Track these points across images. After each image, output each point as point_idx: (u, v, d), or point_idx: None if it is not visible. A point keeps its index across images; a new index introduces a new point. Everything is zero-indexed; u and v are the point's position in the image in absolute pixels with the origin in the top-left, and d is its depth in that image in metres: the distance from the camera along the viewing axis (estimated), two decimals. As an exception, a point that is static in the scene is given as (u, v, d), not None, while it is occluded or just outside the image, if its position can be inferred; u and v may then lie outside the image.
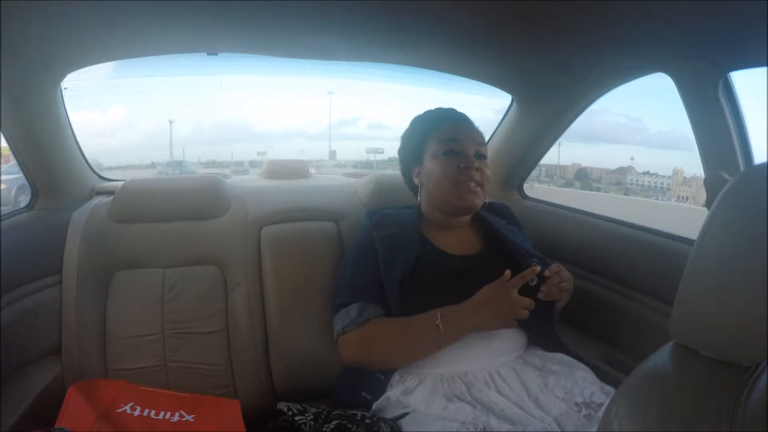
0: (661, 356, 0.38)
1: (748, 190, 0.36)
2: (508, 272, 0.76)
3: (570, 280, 0.82)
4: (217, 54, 0.98)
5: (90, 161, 1.15)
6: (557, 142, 1.29)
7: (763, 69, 0.79)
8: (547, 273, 0.78)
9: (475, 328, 0.76)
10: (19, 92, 0.84)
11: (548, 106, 1.17)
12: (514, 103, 1.25)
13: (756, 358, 0.33)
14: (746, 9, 0.63)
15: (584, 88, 1.07)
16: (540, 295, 0.78)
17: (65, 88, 0.96)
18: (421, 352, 0.77)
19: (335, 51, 0.99)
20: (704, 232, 0.37)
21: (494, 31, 0.83)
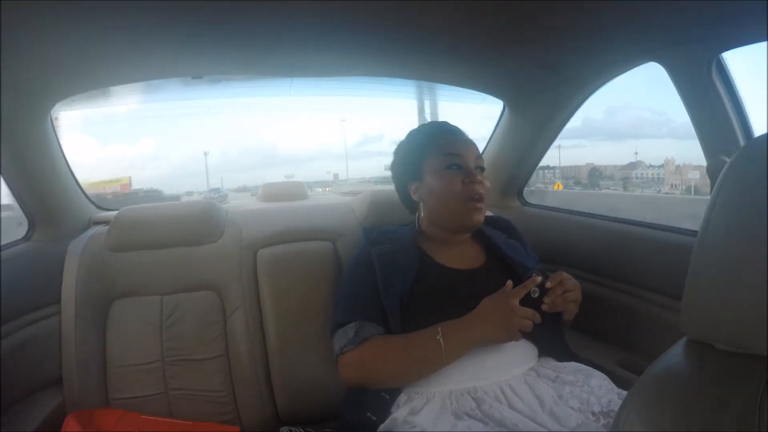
0: (674, 354, 0.36)
1: (748, 166, 0.34)
2: (509, 283, 0.74)
3: (576, 289, 0.78)
4: (201, 77, 0.98)
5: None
6: (557, 145, 1.26)
7: (758, 45, 0.77)
8: (548, 284, 0.75)
9: (478, 342, 0.73)
10: (7, 123, 0.84)
11: (540, 108, 1.15)
12: (506, 109, 1.23)
13: None
14: None
15: (574, 86, 1.05)
16: (544, 307, 0.75)
17: (56, 119, 0.97)
18: (423, 369, 0.74)
19: (318, 68, 0.99)
20: (707, 218, 0.35)
21: (480, 36, 0.81)
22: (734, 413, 0.29)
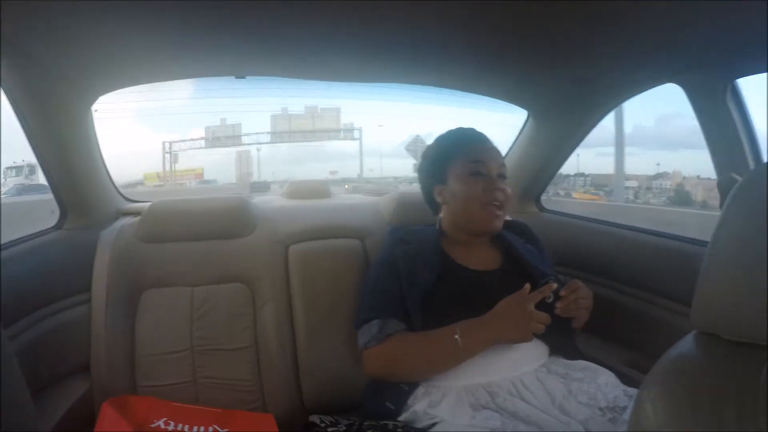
0: (686, 344, 0.41)
1: (757, 186, 0.40)
2: (527, 286, 0.77)
3: (588, 297, 0.82)
4: (244, 77, 1.00)
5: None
6: (576, 153, 1.30)
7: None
8: (562, 292, 0.79)
9: (493, 342, 0.77)
10: (51, 112, 0.86)
11: (563, 120, 1.19)
12: (529, 119, 1.27)
13: None
14: (750, 19, 0.66)
15: (598, 101, 1.10)
16: (556, 311, 0.79)
17: (95, 111, 0.98)
18: (441, 366, 0.78)
19: (358, 72, 1.02)
20: (719, 227, 0.40)
21: (511, 50, 0.85)
22: (738, 392, 0.34)
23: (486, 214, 0.88)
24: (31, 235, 0.95)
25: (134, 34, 0.74)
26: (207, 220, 1.05)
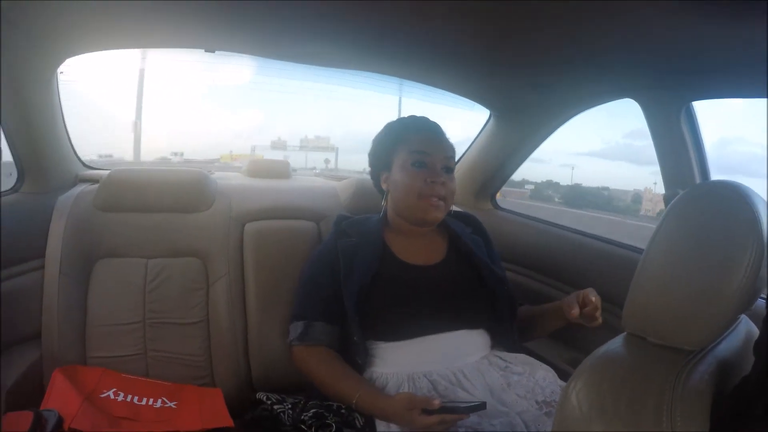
0: (615, 343, 0.45)
1: (690, 204, 0.43)
2: (436, 402, 0.70)
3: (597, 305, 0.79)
4: (214, 51, 0.99)
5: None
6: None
7: (723, 100, 0.87)
8: (593, 297, 0.78)
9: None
10: (16, 72, 0.84)
11: (523, 123, 1.22)
12: (491, 118, 1.31)
13: (699, 344, 0.40)
14: (709, 45, 0.70)
15: (558, 108, 1.14)
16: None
17: (61, 73, 0.96)
18: (341, 402, 0.79)
19: (328, 57, 1.02)
20: (654, 238, 0.44)
21: (479, 51, 0.87)
22: (657, 390, 0.38)
23: (424, 206, 0.87)
24: None
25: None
26: (165, 192, 1.03)
